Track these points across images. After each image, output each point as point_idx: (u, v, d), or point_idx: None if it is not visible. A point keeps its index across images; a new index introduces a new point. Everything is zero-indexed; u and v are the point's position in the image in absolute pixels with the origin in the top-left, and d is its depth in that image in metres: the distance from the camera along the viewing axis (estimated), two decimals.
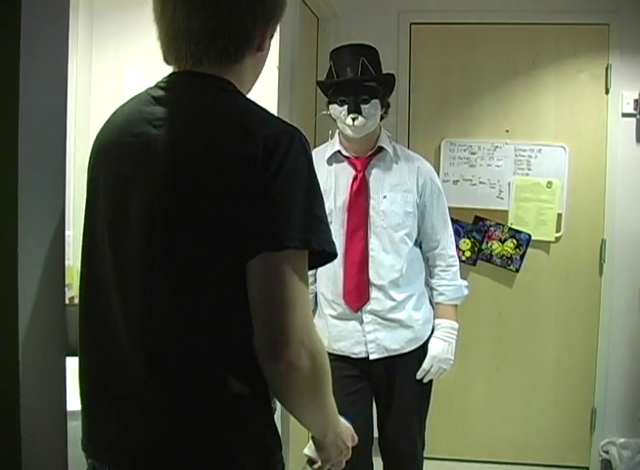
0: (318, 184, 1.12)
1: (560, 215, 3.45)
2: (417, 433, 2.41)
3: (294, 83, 2.58)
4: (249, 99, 1.20)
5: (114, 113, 1.25)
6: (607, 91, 3.43)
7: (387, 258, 2.30)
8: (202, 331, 1.10)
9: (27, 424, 1.11)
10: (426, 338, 2.37)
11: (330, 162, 2.37)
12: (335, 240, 2.31)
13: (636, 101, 3.36)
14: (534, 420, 3.54)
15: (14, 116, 1.07)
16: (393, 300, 2.30)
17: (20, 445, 1.10)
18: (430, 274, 2.44)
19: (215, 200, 1.07)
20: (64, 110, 1.23)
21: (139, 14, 2.32)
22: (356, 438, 1.37)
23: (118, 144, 1.18)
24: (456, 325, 2.40)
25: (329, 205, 2.30)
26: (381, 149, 2.35)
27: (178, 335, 1.10)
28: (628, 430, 3.41)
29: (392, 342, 2.32)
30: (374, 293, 2.31)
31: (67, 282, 1.26)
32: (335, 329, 2.35)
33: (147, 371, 1.10)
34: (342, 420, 1.34)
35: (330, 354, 2.34)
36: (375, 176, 2.34)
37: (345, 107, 2.27)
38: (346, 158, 2.36)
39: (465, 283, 2.45)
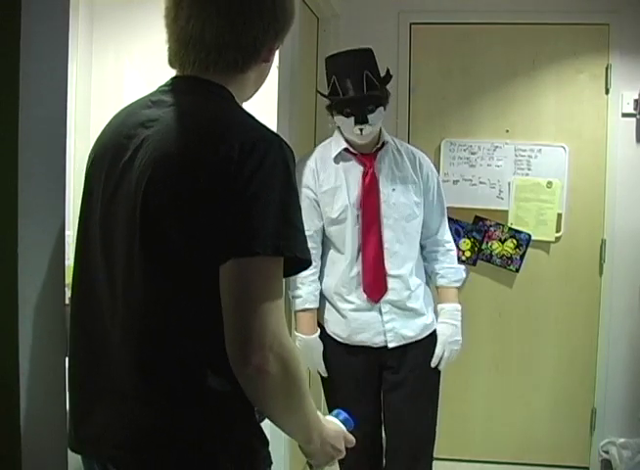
0: (296, 191, 1.12)
1: (560, 215, 3.45)
2: (431, 417, 2.47)
3: (294, 83, 2.58)
4: (241, 108, 1.22)
5: (115, 116, 1.27)
6: (607, 91, 3.43)
7: (401, 249, 2.38)
8: (182, 332, 1.11)
9: (27, 424, 1.11)
10: (434, 326, 2.46)
11: (337, 160, 2.41)
12: (350, 236, 2.36)
13: (636, 101, 3.36)
14: (534, 420, 3.54)
15: (14, 116, 1.07)
16: (409, 289, 2.39)
17: (20, 445, 1.10)
18: (427, 260, 2.53)
19: (192, 203, 1.07)
20: (64, 110, 1.23)
21: (139, 14, 2.34)
22: (352, 438, 1.35)
23: (114, 145, 1.19)
24: (459, 307, 2.49)
25: (342, 202, 2.36)
26: (383, 143, 2.41)
27: (159, 335, 1.11)
28: (628, 430, 3.41)
29: (408, 330, 2.39)
30: (391, 283, 2.37)
31: (67, 282, 1.26)
32: (355, 322, 2.39)
33: (133, 369, 1.12)
34: (332, 422, 1.33)
35: (347, 346, 2.38)
36: (383, 170, 2.40)
37: (352, 118, 2.32)
38: (354, 155, 2.40)
39: (462, 266, 2.56)
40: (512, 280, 3.53)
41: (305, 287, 2.40)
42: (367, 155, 2.40)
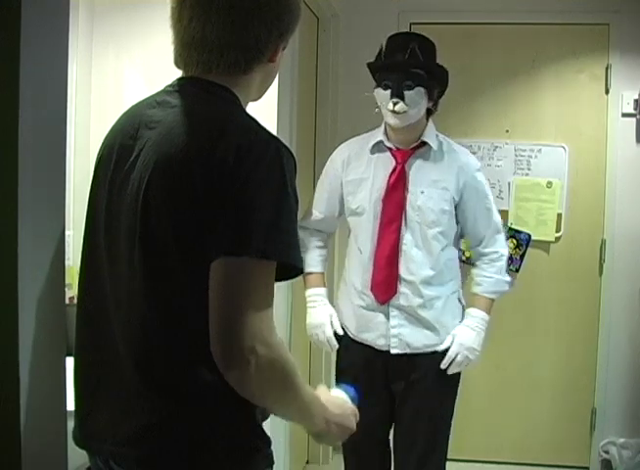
0: (292, 196, 1.12)
1: (560, 215, 3.45)
2: (434, 435, 2.34)
3: (294, 83, 2.58)
4: (243, 109, 1.22)
5: (122, 114, 1.28)
6: (607, 91, 3.43)
7: (418, 254, 2.27)
8: (181, 332, 1.12)
9: (27, 424, 1.11)
10: (449, 343, 2.30)
11: (373, 151, 2.34)
12: (367, 231, 2.32)
13: (636, 101, 3.36)
14: (534, 420, 3.54)
15: (14, 115, 1.07)
16: (422, 297, 2.27)
17: (20, 444, 1.10)
18: (473, 265, 2.42)
19: (188, 203, 1.08)
20: (64, 110, 1.23)
21: (139, 14, 2.34)
22: (357, 413, 1.35)
23: (120, 146, 1.20)
24: (487, 317, 2.34)
25: (363, 194, 2.30)
26: (424, 143, 2.30)
27: (158, 336, 1.12)
28: (628, 430, 3.41)
29: (415, 339, 2.28)
30: (403, 288, 2.27)
31: (67, 282, 1.27)
32: (362, 319, 2.33)
33: (134, 368, 1.13)
34: (338, 398, 1.32)
35: (356, 342, 2.35)
36: (415, 170, 2.29)
37: (389, 91, 2.21)
38: (389, 149, 2.32)
39: (508, 279, 2.40)
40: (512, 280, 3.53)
41: (309, 252, 2.43)
42: (403, 151, 2.30)
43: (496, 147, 3.48)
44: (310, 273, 2.43)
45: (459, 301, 2.39)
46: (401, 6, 3.53)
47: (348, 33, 3.46)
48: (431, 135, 2.31)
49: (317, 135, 3.39)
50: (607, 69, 3.41)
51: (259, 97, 1.32)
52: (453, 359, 2.28)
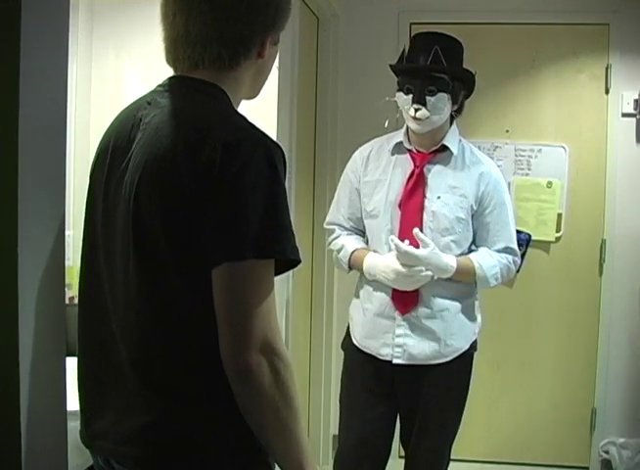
0: (284, 192, 1.11)
1: (560, 215, 3.45)
2: (439, 449, 2.32)
3: (294, 83, 2.58)
4: (231, 106, 1.21)
5: (116, 117, 1.28)
6: (607, 91, 3.43)
7: None
8: (178, 333, 1.12)
9: (27, 424, 1.11)
10: (457, 354, 2.25)
11: (393, 152, 2.27)
12: (381, 234, 2.24)
13: (636, 101, 3.36)
14: (534, 420, 3.54)
15: (14, 115, 1.07)
16: (429, 308, 2.19)
17: (20, 445, 1.10)
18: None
19: (178, 207, 1.08)
20: (64, 109, 1.23)
21: (139, 14, 2.34)
22: None
23: (113, 148, 1.20)
24: (451, 269, 2.15)
25: (379, 197, 2.23)
26: (445, 147, 2.23)
27: (155, 337, 1.12)
28: (628, 430, 3.41)
29: (420, 351, 2.20)
30: None
31: (67, 282, 1.27)
32: (367, 325, 2.26)
33: (132, 368, 1.13)
34: None
35: (360, 352, 2.28)
36: (433, 175, 2.21)
37: (410, 96, 2.15)
38: (408, 151, 2.25)
39: (496, 283, 2.24)
40: (512, 280, 3.53)
41: (342, 238, 2.32)
42: (423, 154, 2.23)
43: (496, 147, 3.48)
44: (355, 250, 2.28)
45: (473, 313, 2.30)
46: (401, 6, 3.53)
47: (348, 33, 3.46)
48: (452, 140, 2.24)
49: (317, 135, 3.39)
50: (607, 69, 3.41)
51: (254, 95, 1.30)
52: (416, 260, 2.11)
